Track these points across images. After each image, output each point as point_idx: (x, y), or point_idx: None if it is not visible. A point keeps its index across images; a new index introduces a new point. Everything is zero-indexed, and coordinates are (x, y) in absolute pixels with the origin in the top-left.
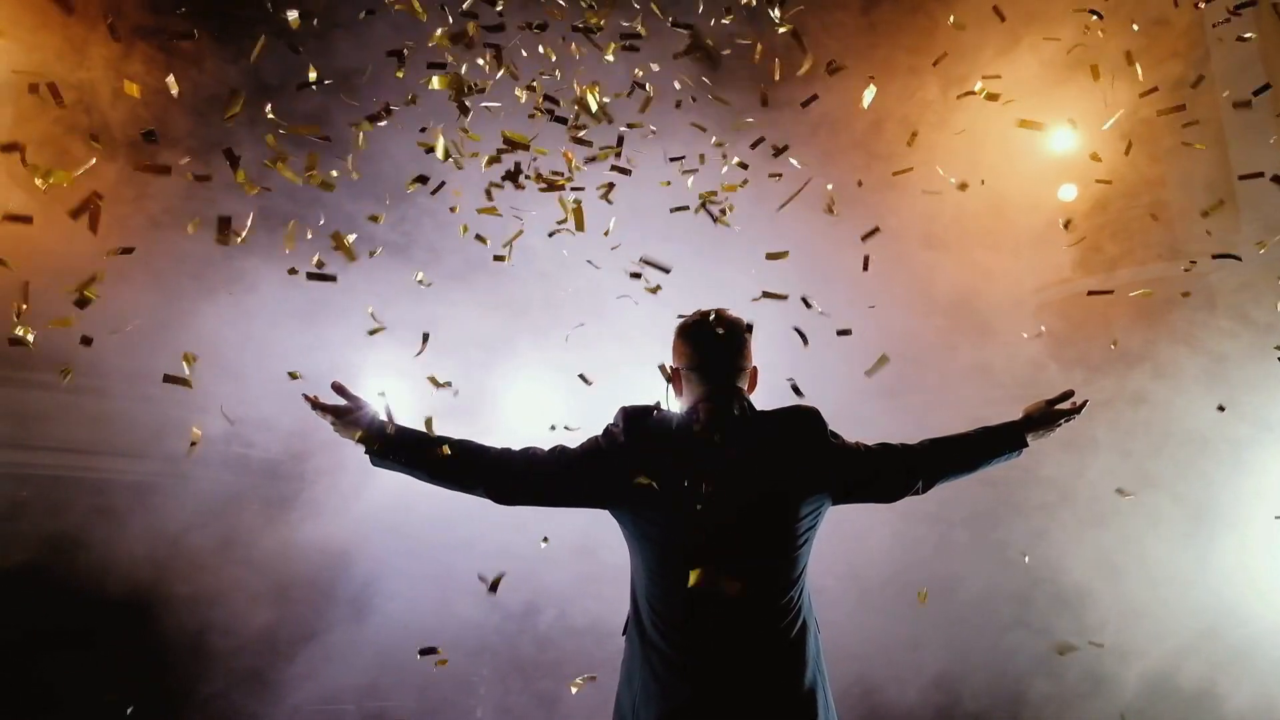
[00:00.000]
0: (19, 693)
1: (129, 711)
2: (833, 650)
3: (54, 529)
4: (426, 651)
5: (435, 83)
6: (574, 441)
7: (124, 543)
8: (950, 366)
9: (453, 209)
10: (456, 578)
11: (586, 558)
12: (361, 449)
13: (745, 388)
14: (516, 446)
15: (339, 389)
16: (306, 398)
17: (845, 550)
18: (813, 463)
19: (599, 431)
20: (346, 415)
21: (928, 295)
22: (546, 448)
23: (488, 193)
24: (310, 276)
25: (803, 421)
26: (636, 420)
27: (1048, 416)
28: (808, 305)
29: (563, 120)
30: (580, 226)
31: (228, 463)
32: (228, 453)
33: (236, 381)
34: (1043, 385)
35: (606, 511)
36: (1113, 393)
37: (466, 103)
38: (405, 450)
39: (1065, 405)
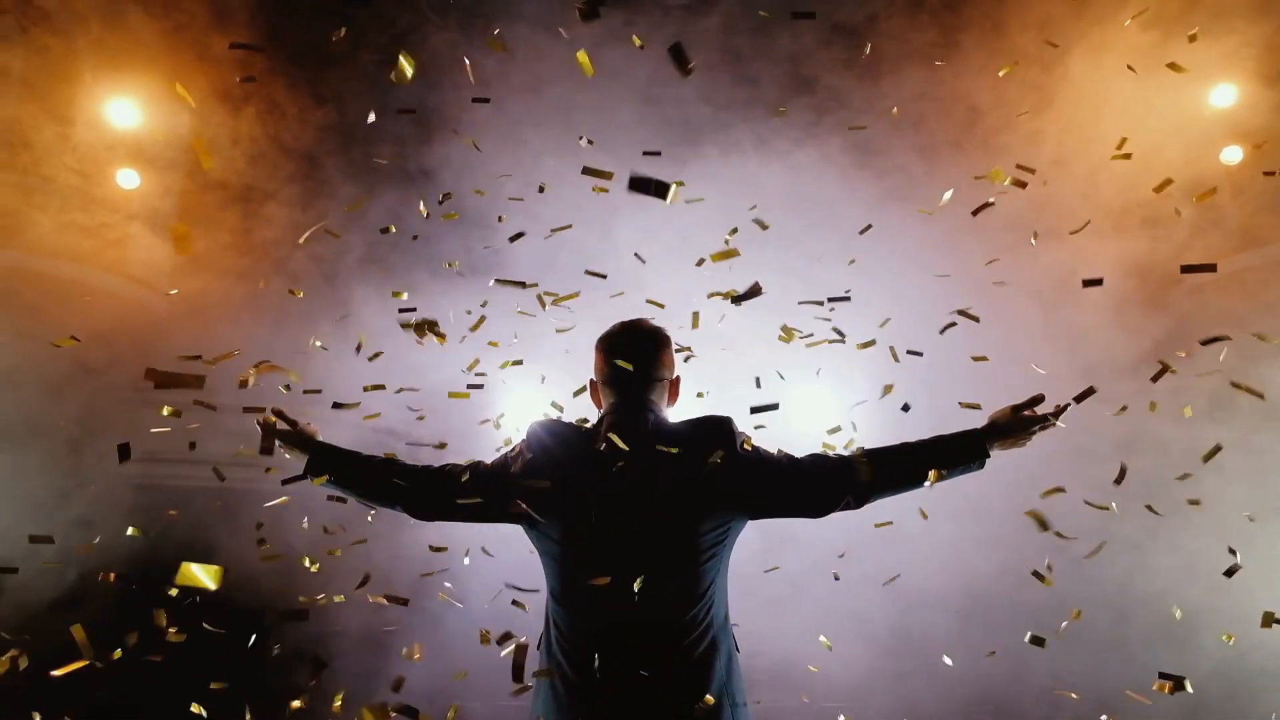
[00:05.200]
0: (146, 696)
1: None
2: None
3: (188, 538)
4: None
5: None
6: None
7: (248, 551)
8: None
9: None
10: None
11: None
12: (301, 468)
13: (659, 399)
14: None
15: (279, 414)
16: (259, 423)
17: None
18: (718, 475)
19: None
20: (287, 437)
21: (1042, 281)
22: (464, 463)
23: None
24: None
25: (710, 433)
26: (540, 435)
27: (1015, 424)
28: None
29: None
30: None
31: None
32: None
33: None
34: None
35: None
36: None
37: None
38: (336, 469)
39: (1033, 412)
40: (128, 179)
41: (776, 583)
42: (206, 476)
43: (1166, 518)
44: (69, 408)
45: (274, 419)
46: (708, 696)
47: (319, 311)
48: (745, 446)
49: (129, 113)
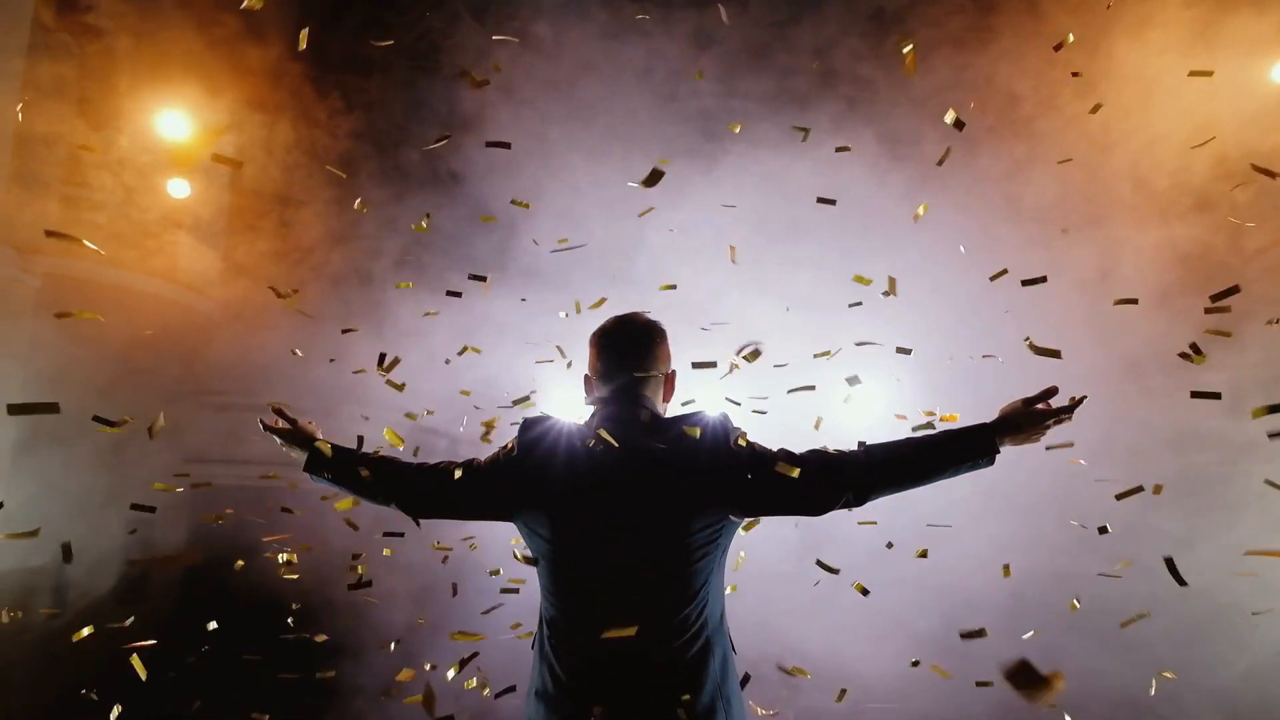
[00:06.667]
0: (203, 687)
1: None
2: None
3: (235, 534)
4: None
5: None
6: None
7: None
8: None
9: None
10: None
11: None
12: (301, 466)
13: (652, 393)
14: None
15: (279, 412)
16: (261, 422)
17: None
18: (710, 472)
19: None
20: (288, 435)
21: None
22: (459, 461)
23: None
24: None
25: (703, 428)
26: (529, 431)
27: (1028, 419)
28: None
29: None
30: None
31: None
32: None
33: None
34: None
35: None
36: None
37: None
38: (332, 466)
39: (1047, 405)
40: (178, 188)
41: (820, 584)
42: (251, 475)
43: (1213, 512)
44: (115, 408)
45: (276, 419)
46: (686, 695)
47: (355, 314)
48: (740, 442)
49: (172, 124)
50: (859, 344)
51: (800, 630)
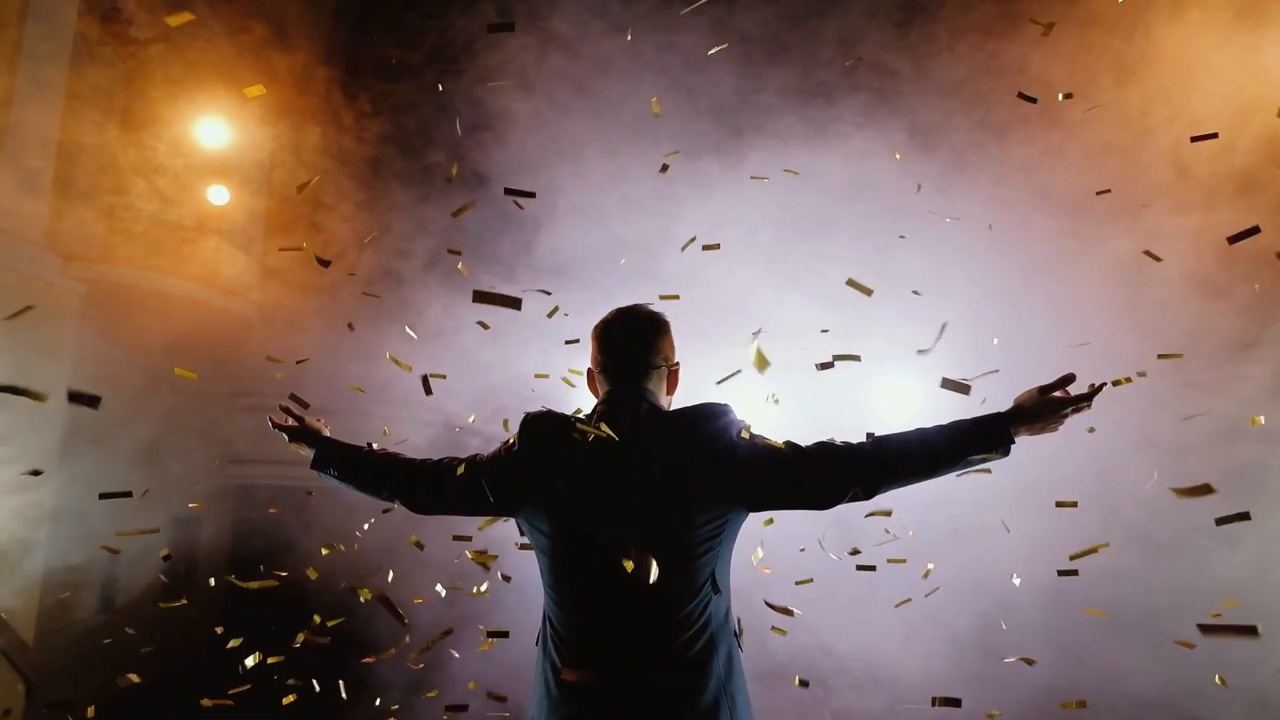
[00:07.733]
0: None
1: None
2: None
3: (274, 532)
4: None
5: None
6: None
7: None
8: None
9: None
10: None
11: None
12: (309, 461)
13: (656, 387)
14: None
15: (286, 409)
16: (271, 420)
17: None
18: (712, 466)
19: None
20: (295, 432)
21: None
22: (462, 457)
23: None
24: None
25: (705, 421)
26: (531, 426)
27: (1044, 407)
28: None
29: None
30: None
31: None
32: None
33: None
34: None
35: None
36: None
37: None
38: (337, 461)
39: (1066, 393)
40: (217, 194)
41: (854, 582)
42: (286, 475)
43: (1254, 507)
44: (155, 409)
45: (285, 416)
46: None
47: (386, 316)
48: (743, 435)
49: (210, 132)
50: (920, 351)
51: (833, 629)
